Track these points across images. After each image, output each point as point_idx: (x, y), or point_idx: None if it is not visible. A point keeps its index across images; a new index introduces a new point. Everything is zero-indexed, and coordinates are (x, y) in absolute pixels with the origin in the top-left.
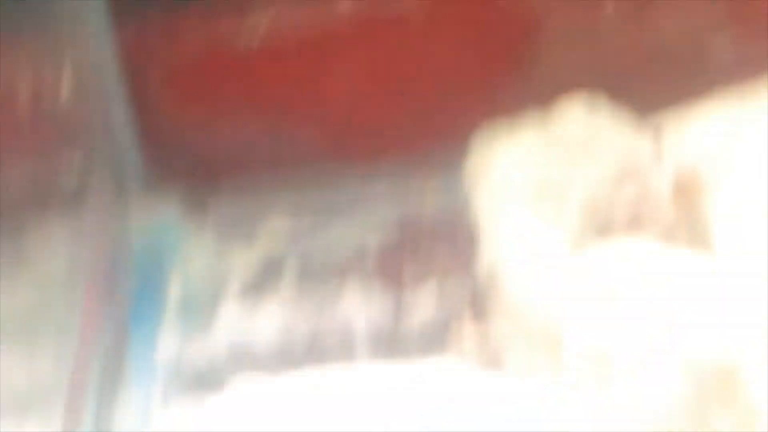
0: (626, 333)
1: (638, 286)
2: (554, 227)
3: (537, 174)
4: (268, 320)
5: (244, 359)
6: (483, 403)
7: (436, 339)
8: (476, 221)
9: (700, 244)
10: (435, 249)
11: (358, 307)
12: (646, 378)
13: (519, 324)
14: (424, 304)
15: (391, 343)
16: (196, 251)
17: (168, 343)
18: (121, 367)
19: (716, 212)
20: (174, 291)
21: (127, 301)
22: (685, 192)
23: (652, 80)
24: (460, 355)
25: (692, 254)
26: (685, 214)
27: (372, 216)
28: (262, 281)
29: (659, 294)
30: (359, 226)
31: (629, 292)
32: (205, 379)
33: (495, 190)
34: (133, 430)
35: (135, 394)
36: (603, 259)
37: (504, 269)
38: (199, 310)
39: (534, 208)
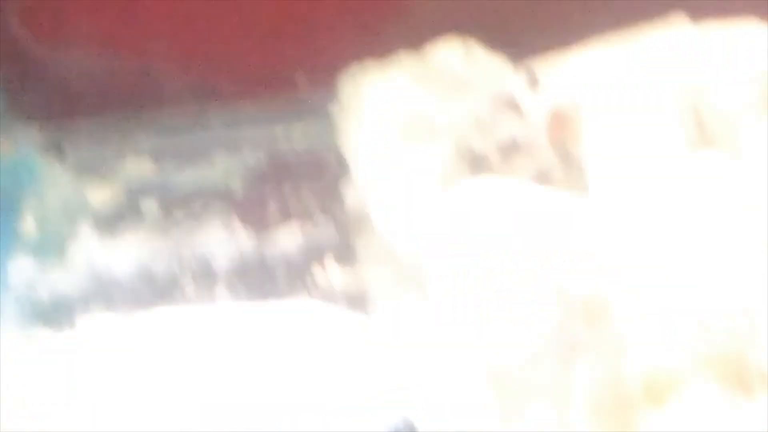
0: (496, 268)
1: (509, 223)
2: (425, 164)
3: (408, 111)
4: (125, 256)
5: (98, 295)
6: (346, 344)
7: (298, 279)
8: (344, 161)
9: (574, 185)
10: (301, 189)
11: (219, 247)
12: (516, 309)
13: (386, 262)
14: (287, 244)
15: (252, 282)
16: (52, 187)
17: (20, 277)
18: None
19: (589, 153)
20: (28, 225)
21: None
22: (559, 133)
23: (526, 26)
24: (324, 295)
25: (563, 193)
26: (560, 155)
27: (237, 157)
28: (120, 218)
29: (530, 230)
30: (223, 167)
31: (499, 228)
32: (56, 314)
33: (364, 128)
34: None
35: None
36: (473, 195)
37: (372, 207)
38: (53, 245)
39: (405, 145)
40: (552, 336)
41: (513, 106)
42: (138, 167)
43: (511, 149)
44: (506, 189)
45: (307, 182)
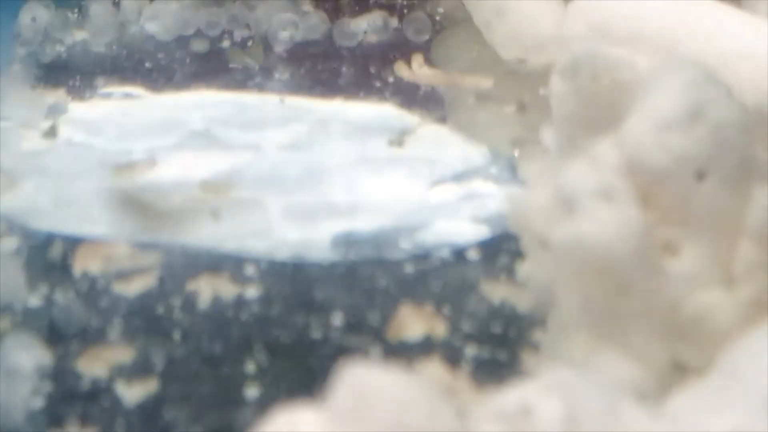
0: None
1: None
2: None
3: None
4: (162, 23)
5: (118, 62)
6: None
7: (374, 78)
8: None
9: None
10: None
11: (283, 26)
12: None
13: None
14: (365, 35)
15: (317, 71)
16: None
17: (29, 31)
18: None
19: None
20: None
21: None
22: None
23: None
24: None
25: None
26: None
27: None
28: None
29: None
30: None
31: None
32: (63, 77)
33: None
34: None
35: None
36: None
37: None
38: (71, 1)
39: None
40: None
41: None
42: None
43: None
44: None
45: None
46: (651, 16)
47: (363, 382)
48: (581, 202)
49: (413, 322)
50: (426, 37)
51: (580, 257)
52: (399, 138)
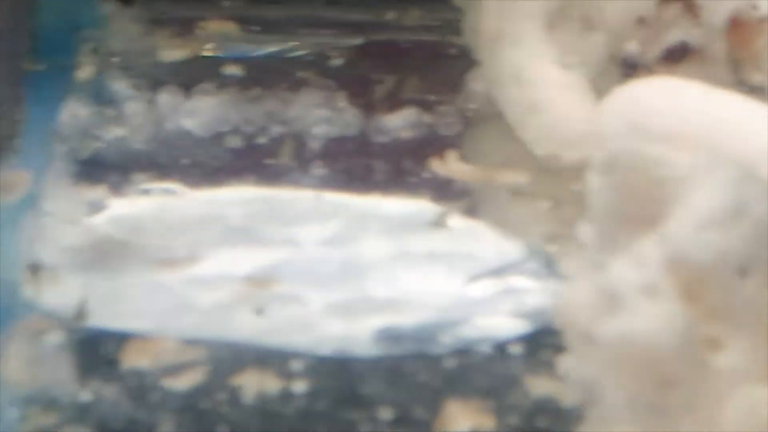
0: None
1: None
2: (572, 61)
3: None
4: (198, 121)
5: (156, 158)
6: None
7: (409, 173)
8: (468, 50)
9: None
10: (415, 76)
11: (317, 124)
12: None
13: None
14: (399, 132)
15: (353, 168)
16: (114, 33)
17: (68, 128)
18: (12, 145)
19: None
20: (83, 70)
21: (25, 78)
22: (740, 30)
23: None
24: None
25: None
26: (737, 55)
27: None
28: (196, 80)
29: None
30: (322, 41)
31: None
32: (103, 173)
33: (500, 15)
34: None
35: (24, 174)
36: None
37: (505, 103)
38: (110, 98)
39: (549, 36)
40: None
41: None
42: (221, 27)
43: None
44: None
45: (424, 70)
46: (688, 112)
47: None
48: (626, 299)
49: (460, 417)
50: (458, 132)
51: (625, 352)
52: (441, 218)
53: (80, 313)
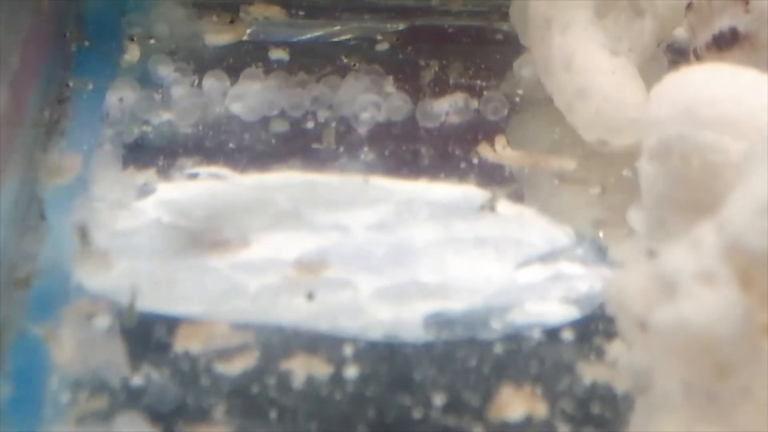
0: None
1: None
2: (621, 45)
3: None
4: (245, 106)
5: (203, 143)
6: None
7: (457, 159)
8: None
9: None
10: (462, 62)
11: (365, 109)
12: None
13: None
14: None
15: (401, 154)
16: (163, 22)
17: (115, 112)
18: (59, 128)
19: None
20: (129, 58)
21: (73, 58)
22: None
23: None
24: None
25: None
26: None
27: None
28: (243, 64)
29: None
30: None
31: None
32: (151, 157)
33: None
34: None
35: (73, 158)
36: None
37: (555, 89)
38: (156, 83)
39: (598, 21)
40: None
41: None
42: (266, 12)
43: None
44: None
45: (470, 55)
46: (741, 99)
47: None
48: (683, 285)
49: (513, 403)
50: (505, 118)
51: (682, 339)
52: (488, 204)
53: (132, 299)
